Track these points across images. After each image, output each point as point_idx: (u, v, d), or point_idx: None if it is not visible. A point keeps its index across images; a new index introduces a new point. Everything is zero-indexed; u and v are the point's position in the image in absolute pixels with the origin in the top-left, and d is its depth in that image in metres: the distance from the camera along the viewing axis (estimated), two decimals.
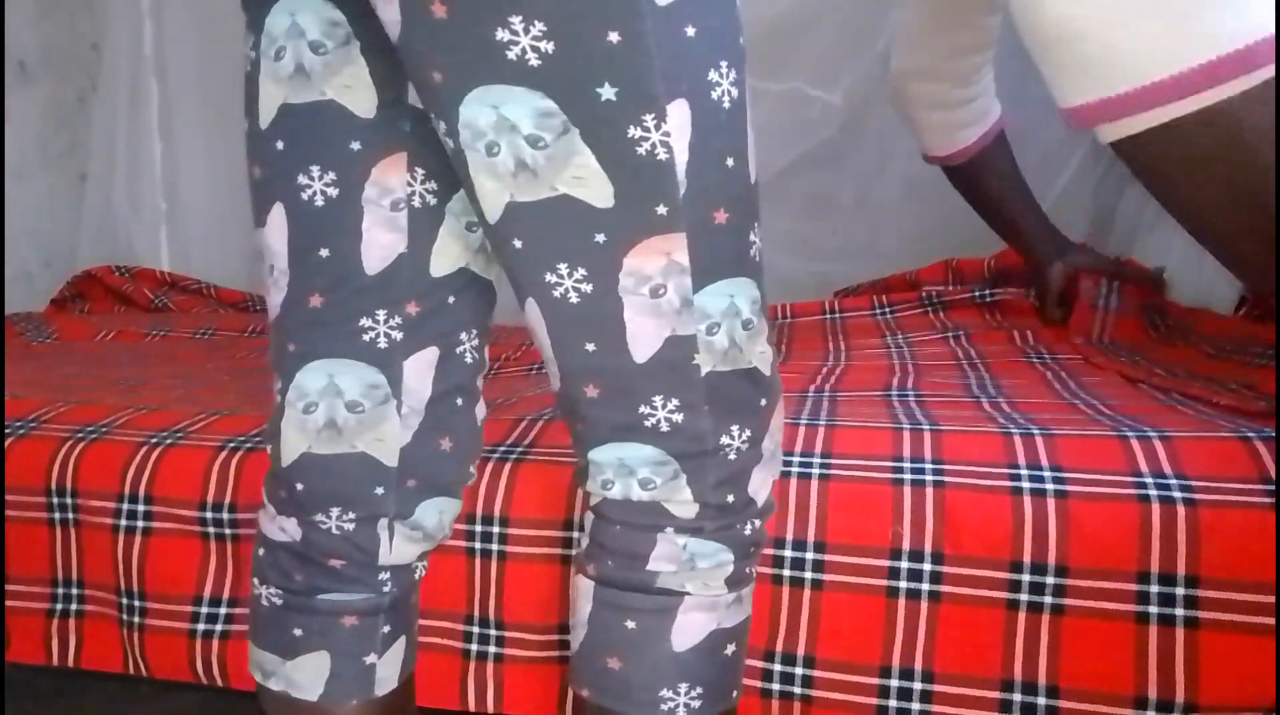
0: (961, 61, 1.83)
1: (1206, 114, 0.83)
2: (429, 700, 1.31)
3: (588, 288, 0.87)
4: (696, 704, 0.98)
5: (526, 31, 0.78)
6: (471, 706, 1.31)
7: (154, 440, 1.44)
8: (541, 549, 1.26)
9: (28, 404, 1.58)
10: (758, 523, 0.99)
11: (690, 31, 0.82)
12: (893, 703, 1.18)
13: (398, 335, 1.00)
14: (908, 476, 1.20)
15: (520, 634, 1.29)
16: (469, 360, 1.06)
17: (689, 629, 0.97)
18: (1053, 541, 1.12)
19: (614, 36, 0.78)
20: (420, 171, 0.98)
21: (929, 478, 1.19)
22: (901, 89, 1.92)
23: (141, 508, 1.40)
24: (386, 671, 1.09)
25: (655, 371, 0.90)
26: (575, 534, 1.27)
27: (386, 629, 1.09)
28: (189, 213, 3.25)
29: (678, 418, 0.92)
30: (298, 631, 1.05)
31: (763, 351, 0.94)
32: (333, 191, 0.95)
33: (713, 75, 0.84)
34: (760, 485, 0.98)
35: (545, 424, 1.39)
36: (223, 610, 1.37)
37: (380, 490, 1.03)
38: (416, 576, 1.12)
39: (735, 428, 0.94)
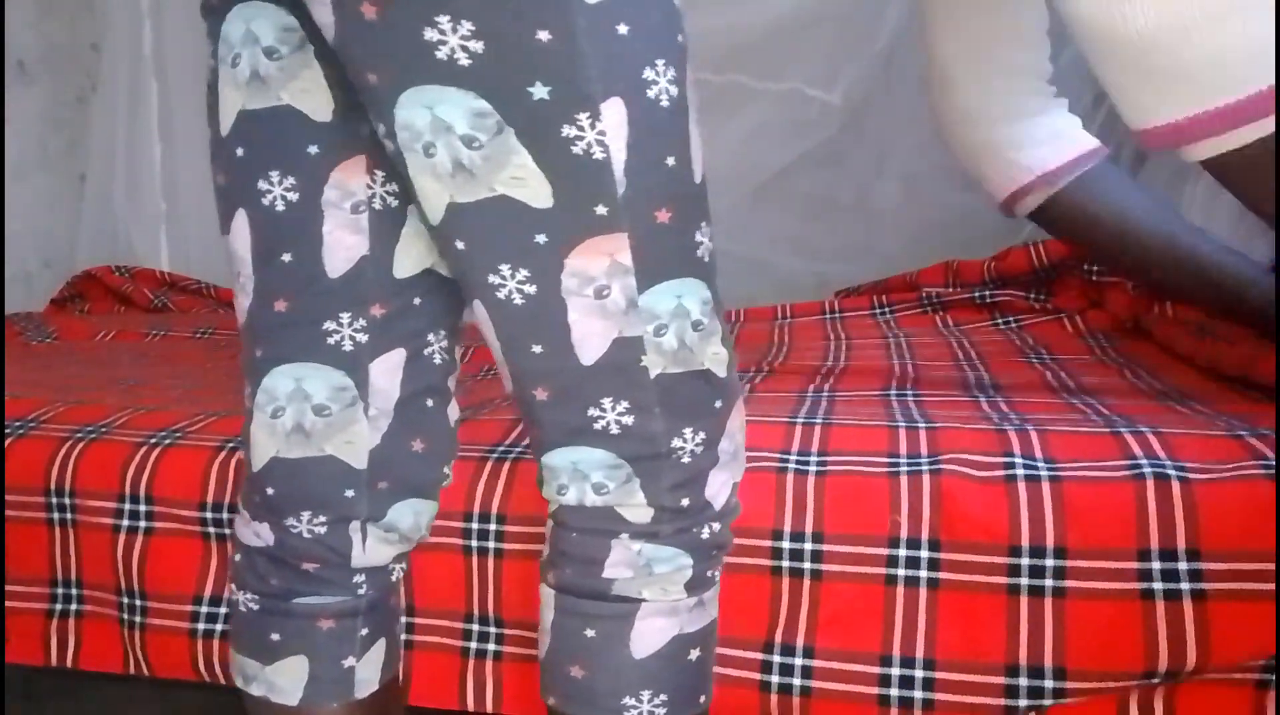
0: (997, 104, 1.52)
1: None
2: (427, 700, 1.31)
3: (531, 289, 0.86)
4: (661, 710, 0.97)
5: (455, 31, 0.78)
6: (470, 706, 1.31)
7: (153, 440, 1.44)
8: (539, 546, 1.25)
9: (27, 404, 1.58)
10: (717, 526, 0.98)
11: (623, 29, 0.81)
12: (894, 691, 1.17)
13: (364, 337, 0.99)
14: (904, 467, 1.20)
15: (518, 631, 1.29)
16: (438, 361, 1.05)
17: (649, 635, 0.97)
18: (1050, 523, 1.12)
19: (544, 35, 0.78)
20: (380, 173, 0.97)
21: (925, 467, 1.19)
22: (945, 119, 1.57)
23: (142, 508, 1.40)
24: (366, 674, 1.09)
25: (603, 373, 0.89)
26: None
27: (364, 631, 1.09)
28: (189, 213, 3.25)
29: (628, 420, 0.91)
30: (275, 636, 1.05)
31: (716, 353, 0.94)
32: (293, 196, 0.96)
33: (648, 73, 0.83)
34: (720, 488, 0.98)
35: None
36: (223, 609, 1.37)
37: (350, 492, 1.03)
38: (394, 579, 1.12)
39: (689, 430, 0.93)
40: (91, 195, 3.24)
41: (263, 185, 0.96)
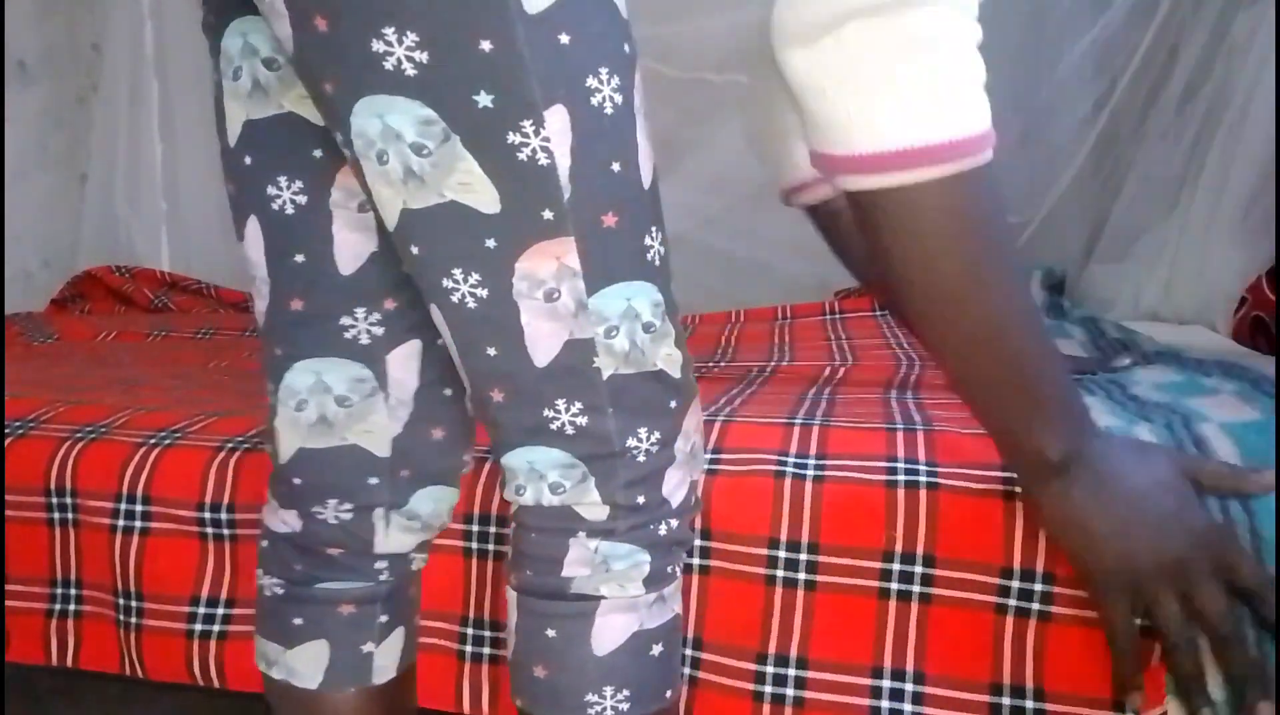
0: None
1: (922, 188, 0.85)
2: (425, 700, 1.30)
3: (483, 292, 0.88)
4: (625, 706, 0.98)
5: (400, 42, 0.80)
6: (466, 709, 1.31)
7: (152, 440, 1.44)
8: None
9: (27, 404, 1.58)
10: (674, 522, 0.99)
11: (565, 39, 0.83)
12: (885, 703, 1.17)
13: (379, 330, 1.03)
14: (901, 477, 1.19)
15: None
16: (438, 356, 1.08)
17: (609, 632, 0.97)
18: (1041, 547, 1.12)
19: (486, 45, 0.80)
20: None
21: (923, 479, 1.18)
22: (749, 124, 1.55)
23: (139, 508, 1.40)
24: (384, 660, 1.12)
25: (556, 374, 0.91)
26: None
27: (384, 618, 1.12)
28: (189, 213, 3.25)
29: (582, 421, 0.93)
30: (297, 621, 1.09)
31: (669, 353, 0.95)
32: (301, 199, 0.99)
33: (591, 81, 0.85)
34: (677, 485, 0.99)
35: None
36: (220, 611, 1.37)
37: (374, 480, 1.07)
38: (414, 567, 1.15)
39: (643, 430, 0.95)
40: (92, 195, 3.24)
41: (271, 190, 0.99)
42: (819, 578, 1.19)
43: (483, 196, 0.84)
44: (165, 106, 3.22)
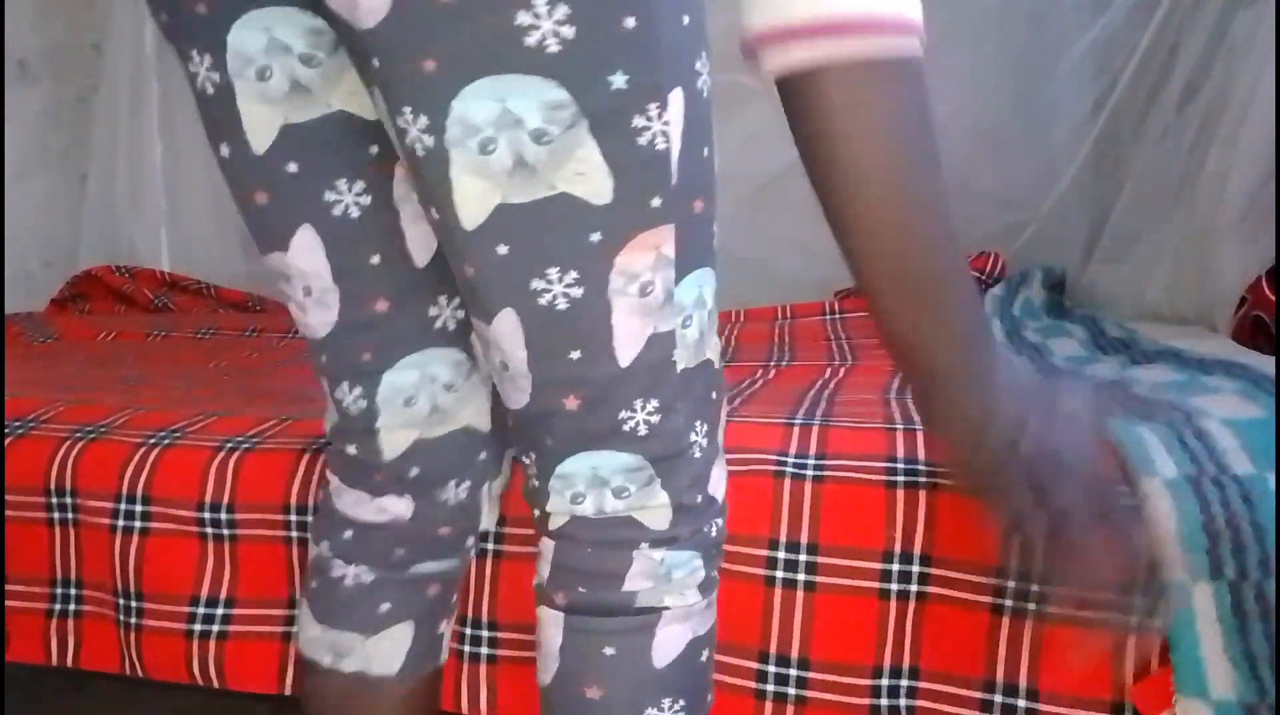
0: None
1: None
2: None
3: (578, 292, 0.84)
4: None
5: (550, 15, 0.75)
6: (465, 710, 1.32)
7: (152, 440, 1.44)
8: (535, 548, 1.26)
9: (27, 404, 1.58)
10: (719, 522, 0.99)
11: (686, 20, 0.82)
12: (884, 701, 1.18)
13: (461, 313, 1.02)
14: (901, 477, 1.20)
15: (513, 635, 1.29)
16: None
17: (668, 643, 0.96)
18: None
19: (630, 21, 0.77)
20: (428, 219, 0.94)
21: (922, 479, 1.19)
22: None
23: (139, 508, 1.40)
24: (445, 639, 1.16)
25: (638, 374, 0.89)
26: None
27: (454, 597, 1.17)
28: (189, 213, 3.25)
29: (655, 419, 0.91)
30: (386, 606, 1.09)
31: (716, 343, 0.96)
32: (365, 199, 0.94)
33: (698, 64, 0.84)
34: (718, 481, 0.99)
35: None
36: (220, 611, 1.37)
37: (483, 456, 1.09)
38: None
39: (699, 423, 0.94)
40: (93, 195, 3.24)
41: (330, 196, 0.93)
42: (819, 578, 1.20)
43: (596, 186, 0.81)
44: (165, 106, 3.22)
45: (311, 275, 0.96)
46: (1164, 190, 2.18)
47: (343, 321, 0.99)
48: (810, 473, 1.22)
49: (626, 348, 0.87)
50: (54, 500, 1.44)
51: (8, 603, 1.46)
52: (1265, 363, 1.47)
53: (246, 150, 0.92)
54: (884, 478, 1.20)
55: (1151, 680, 1.07)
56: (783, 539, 1.21)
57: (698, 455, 0.94)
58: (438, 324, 1.01)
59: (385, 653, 1.09)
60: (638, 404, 0.90)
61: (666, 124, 0.81)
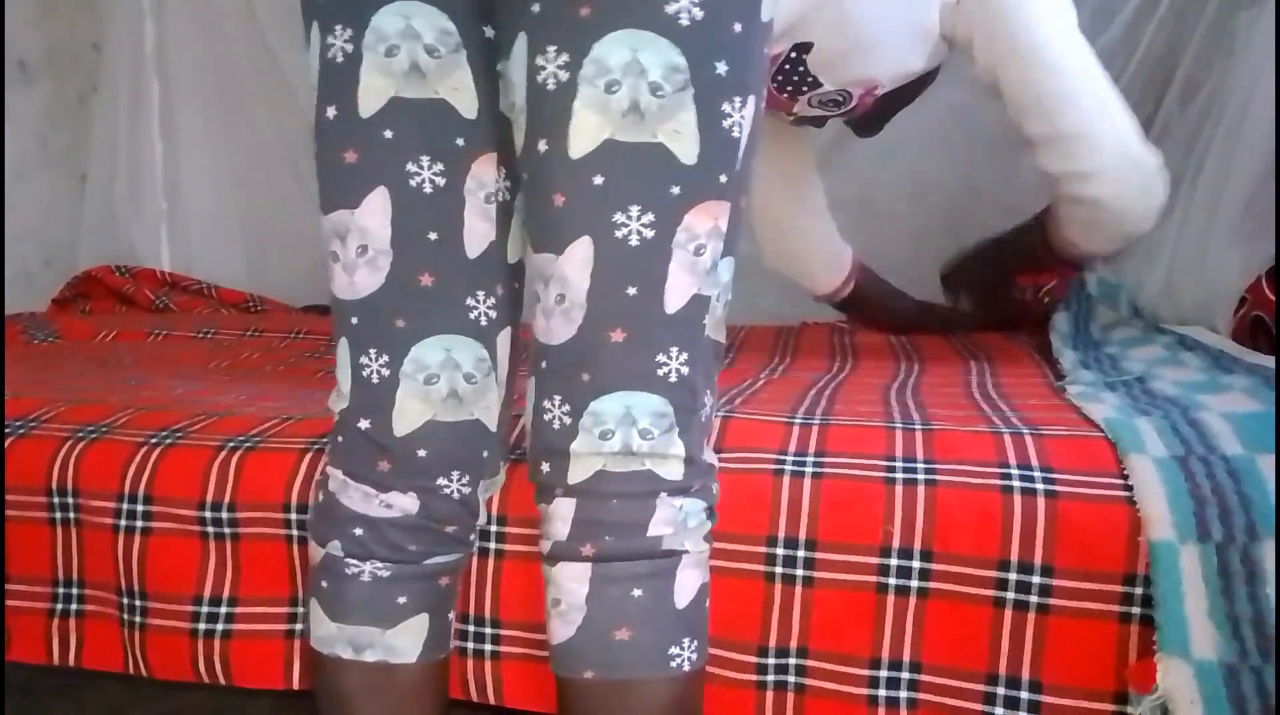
0: (813, 208, 2.17)
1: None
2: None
3: (650, 233, 0.97)
4: (695, 656, 1.07)
5: None
6: (474, 697, 1.33)
7: (154, 440, 1.44)
8: (537, 547, 1.26)
9: (28, 403, 1.58)
10: (716, 486, 1.11)
11: (765, 49, 1.02)
12: (882, 692, 1.20)
13: (493, 314, 1.11)
14: (900, 475, 1.21)
15: (516, 631, 1.30)
16: (520, 342, 1.16)
17: (686, 586, 1.06)
18: (1040, 541, 1.14)
19: (738, 26, 0.96)
20: (504, 170, 1.08)
21: (920, 476, 1.20)
22: (782, 247, 2.20)
23: (141, 507, 1.40)
24: (453, 627, 1.22)
25: (678, 323, 1.01)
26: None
27: (458, 587, 1.23)
28: (189, 213, 3.25)
29: (684, 371, 1.02)
30: (402, 599, 1.14)
31: (724, 329, 1.09)
32: (440, 181, 1.06)
33: (761, 89, 1.02)
34: (712, 448, 1.11)
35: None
36: (223, 610, 1.37)
37: (486, 453, 1.15)
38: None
39: (708, 390, 1.07)
40: (92, 195, 3.23)
41: (412, 168, 1.04)
42: (817, 574, 1.21)
43: (687, 147, 0.96)
44: (165, 106, 3.21)
45: (372, 234, 1.06)
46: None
47: (387, 286, 1.07)
48: (810, 470, 1.23)
49: (674, 297, 1.00)
50: (55, 500, 1.44)
51: (9, 603, 1.46)
52: (1266, 362, 1.48)
53: (353, 113, 1.04)
54: (883, 475, 1.21)
55: (1147, 662, 1.08)
56: (781, 535, 1.21)
57: (704, 418, 1.06)
58: (472, 315, 1.09)
59: (404, 643, 1.14)
60: (673, 351, 1.01)
61: (743, 118, 0.99)
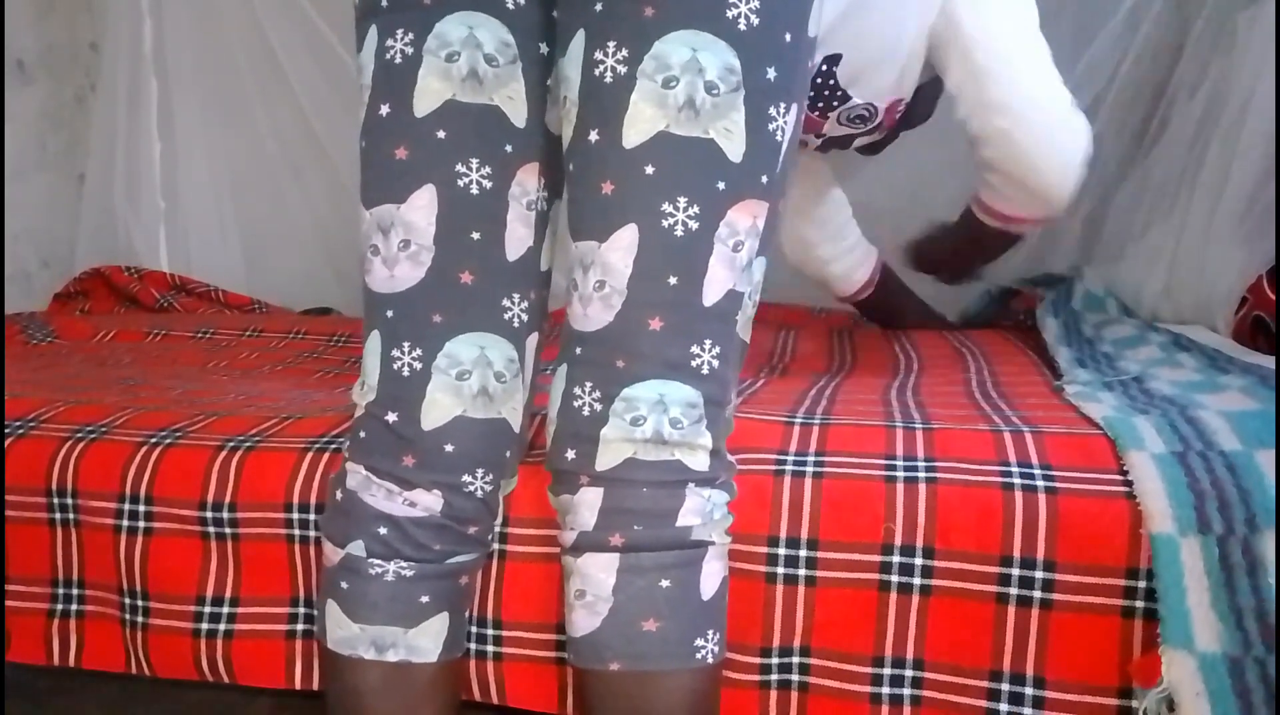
0: (832, 226, 2.25)
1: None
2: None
3: (695, 225, 1.01)
4: (718, 648, 1.09)
5: (747, 1, 0.99)
6: (476, 697, 1.33)
7: (153, 440, 1.44)
8: (541, 548, 1.26)
9: (27, 404, 1.58)
10: (734, 484, 1.13)
11: (807, 62, 1.07)
12: (885, 690, 1.20)
13: (525, 317, 1.15)
14: (900, 473, 1.21)
15: (519, 633, 1.30)
16: (542, 349, 1.20)
17: (711, 577, 1.09)
18: (1042, 536, 1.15)
19: (788, 36, 1.02)
20: (544, 180, 1.13)
21: (921, 474, 1.21)
22: (804, 257, 2.27)
23: (142, 508, 1.40)
24: (467, 624, 1.25)
25: (715, 316, 1.04)
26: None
27: (476, 586, 1.26)
28: (188, 213, 3.24)
29: (716, 364, 1.05)
30: (425, 598, 1.15)
31: (751, 331, 1.11)
32: (487, 183, 1.10)
33: (802, 100, 1.07)
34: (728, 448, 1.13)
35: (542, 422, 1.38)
36: (225, 610, 1.37)
37: (509, 453, 1.18)
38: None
39: (734, 387, 1.10)
40: (90, 195, 3.22)
41: (461, 168, 1.09)
42: (819, 573, 1.21)
43: (735, 145, 1.01)
44: (164, 106, 3.20)
45: (417, 230, 1.10)
46: (1163, 190, 2.18)
47: (427, 280, 1.11)
48: (810, 469, 1.24)
49: (712, 290, 1.03)
50: (55, 500, 1.44)
51: (8, 603, 1.46)
52: (1266, 362, 1.48)
53: (407, 111, 1.09)
54: (884, 473, 1.21)
55: (1150, 657, 1.09)
56: (783, 535, 1.22)
57: (728, 414, 1.10)
58: (506, 316, 1.13)
59: (425, 643, 1.15)
60: (707, 343, 1.04)
61: (786, 124, 1.04)
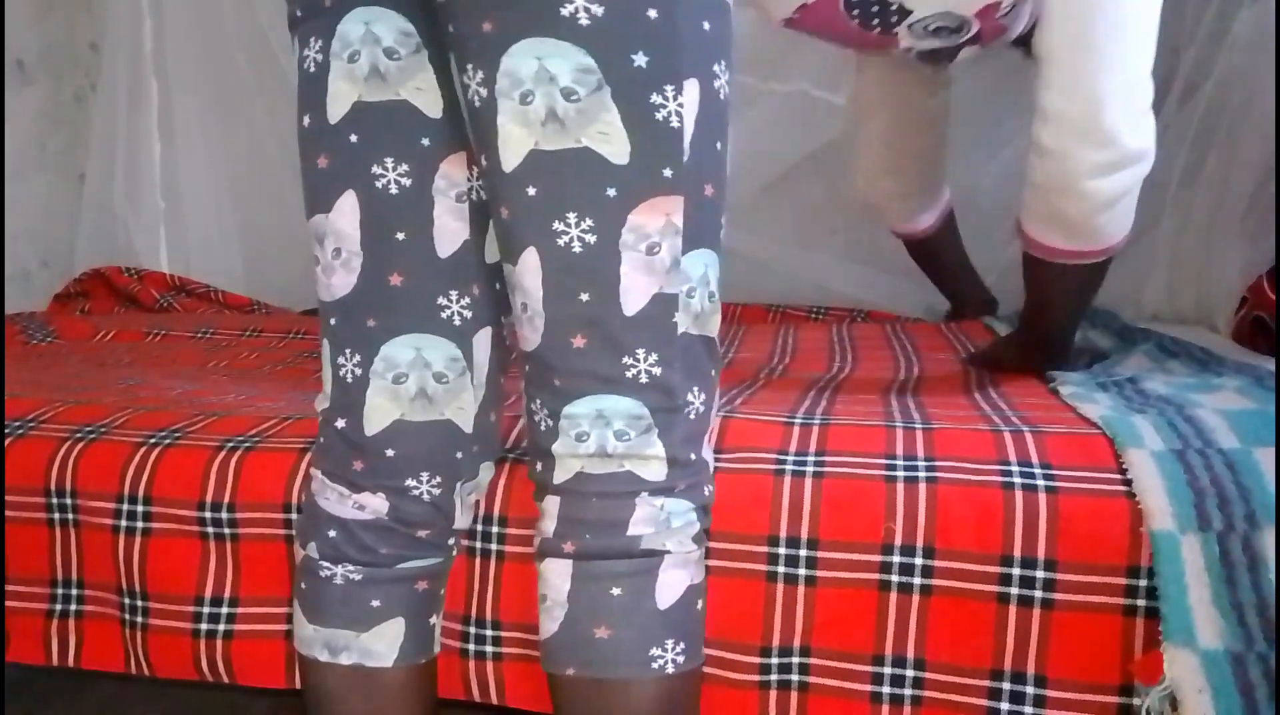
0: (912, 164, 2.19)
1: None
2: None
3: (592, 239, 0.96)
4: (681, 659, 1.05)
5: None
6: (476, 697, 1.33)
7: (153, 440, 1.44)
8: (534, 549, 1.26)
9: (26, 404, 1.58)
10: (709, 488, 1.09)
11: (706, 26, 0.96)
12: (886, 689, 1.20)
13: (468, 313, 1.11)
14: (900, 473, 1.21)
15: (518, 633, 1.30)
16: (507, 341, 1.17)
17: (670, 586, 1.05)
18: (1042, 535, 1.15)
19: (653, 13, 0.92)
20: (477, 169, 1.07)
21: (921, 474, 1.21)
22: (873, 187, 2.24)
23: (140, 508, 1.39)
24: (437, 630, 1.22)
25: (641, 325, 0.99)
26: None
27: (442, 591, 1.23)
28: (188, 212, 3.24)
29: (656, 372, 1.00)
30: (376, 602, 1.14)
31: (717, 322, 1.06)
32: (406, 181, 1.06)
33: (716, 68, 0.98)
34: (709, 450, 1.09)
35: None
36: (224, 610, 1.37)
37: (459, 455, 1.15)
38: (462, 544, 1.26)
39: (696, 388, 1.04)
40: (90, 195, 3.22)
41: (377, 169, 1.06)
42: (819, 573, 1.21)
43: (616, 147, 0.94)
44: (164, 105, 3.20)
45: (345, 237, 1.08)
46: (1163, 190, 2.18)
47: (360, 286, 1.09)
48: (810, 469, 1.23)
49: (631, 298, 0.98)
50: (54, 500, 1.44)
51: (7, 603, 1.45)
52: (1266, 363, 1.48)
53: (324, 119, 1.06)
54: (884, 473, 1.21)
55: (1152, 654, 1.09)
56: (783, 535, 1.21)
57: (693, 417, 1.05)
58: (444, 314, 1.10)
59: (380, 647, 1.15)
60: (640, 353, 1.00)
61: (680, 106, 0.95)
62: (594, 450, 1.02)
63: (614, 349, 0.99)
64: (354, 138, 1.05)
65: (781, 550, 1.21)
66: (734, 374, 1.82)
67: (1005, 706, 1.16)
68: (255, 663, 1.37)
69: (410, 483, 1.13)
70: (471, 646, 1.30)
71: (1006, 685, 1.16)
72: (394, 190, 1.06)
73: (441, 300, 1.10)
